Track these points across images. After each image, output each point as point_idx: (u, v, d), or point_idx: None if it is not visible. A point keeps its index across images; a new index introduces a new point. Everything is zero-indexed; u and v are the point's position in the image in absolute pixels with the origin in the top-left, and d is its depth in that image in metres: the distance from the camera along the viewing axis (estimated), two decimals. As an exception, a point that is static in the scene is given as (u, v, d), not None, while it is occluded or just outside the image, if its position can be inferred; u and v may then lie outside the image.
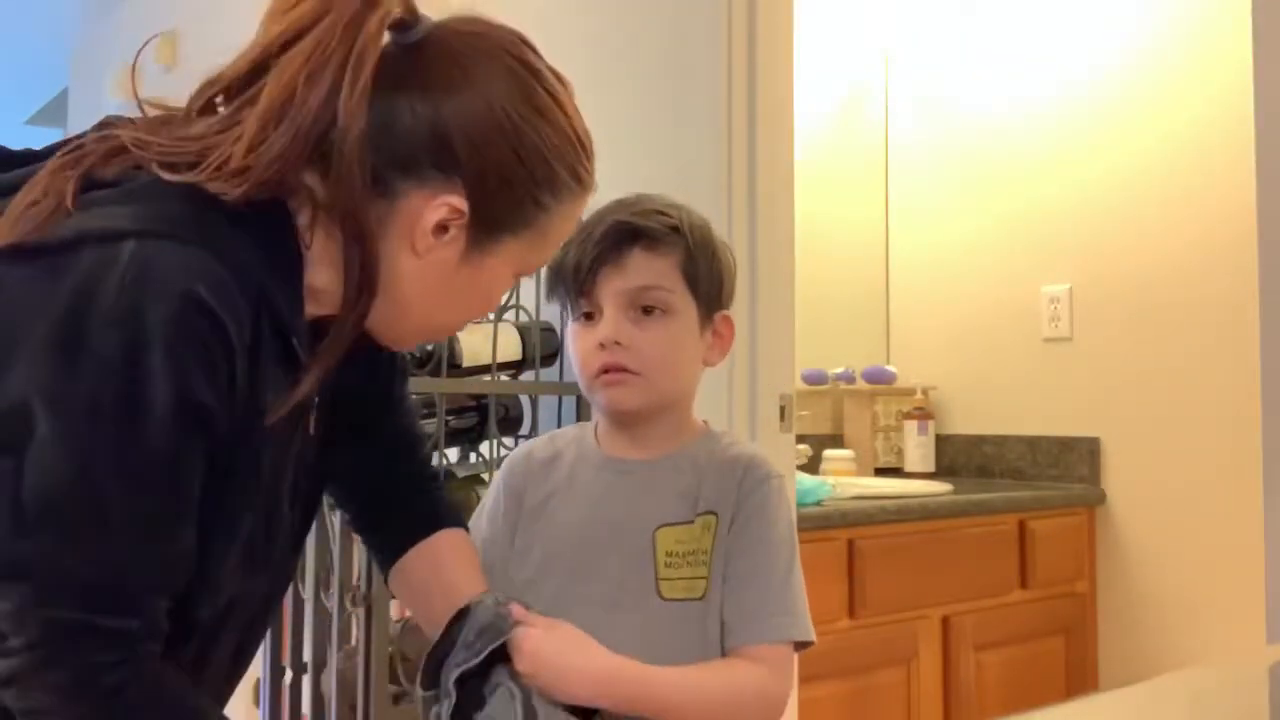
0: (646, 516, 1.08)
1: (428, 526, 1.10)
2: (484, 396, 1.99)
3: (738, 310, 1.89)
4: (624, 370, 1.07)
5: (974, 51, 3.02)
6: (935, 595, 2.33)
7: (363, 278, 0.87)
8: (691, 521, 1.08)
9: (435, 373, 1.86)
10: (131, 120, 0.89)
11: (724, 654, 1.06)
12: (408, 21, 0.90)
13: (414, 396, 1.90)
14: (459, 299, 0.95)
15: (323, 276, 0.88)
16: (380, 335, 0.96)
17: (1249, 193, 1.73)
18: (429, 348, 1.87)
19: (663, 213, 1.10)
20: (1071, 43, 2.82)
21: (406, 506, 1.12)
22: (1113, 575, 2.67)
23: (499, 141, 0.89)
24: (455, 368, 1.90)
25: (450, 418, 1.96)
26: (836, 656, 2.04)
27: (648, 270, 1.07)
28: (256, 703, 1.90)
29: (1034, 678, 2.50)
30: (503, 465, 1.22)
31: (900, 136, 3.18)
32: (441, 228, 0.89)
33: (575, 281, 1.08)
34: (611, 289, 1.07)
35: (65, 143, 0.88)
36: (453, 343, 1.89)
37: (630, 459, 1.12)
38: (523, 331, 2.01)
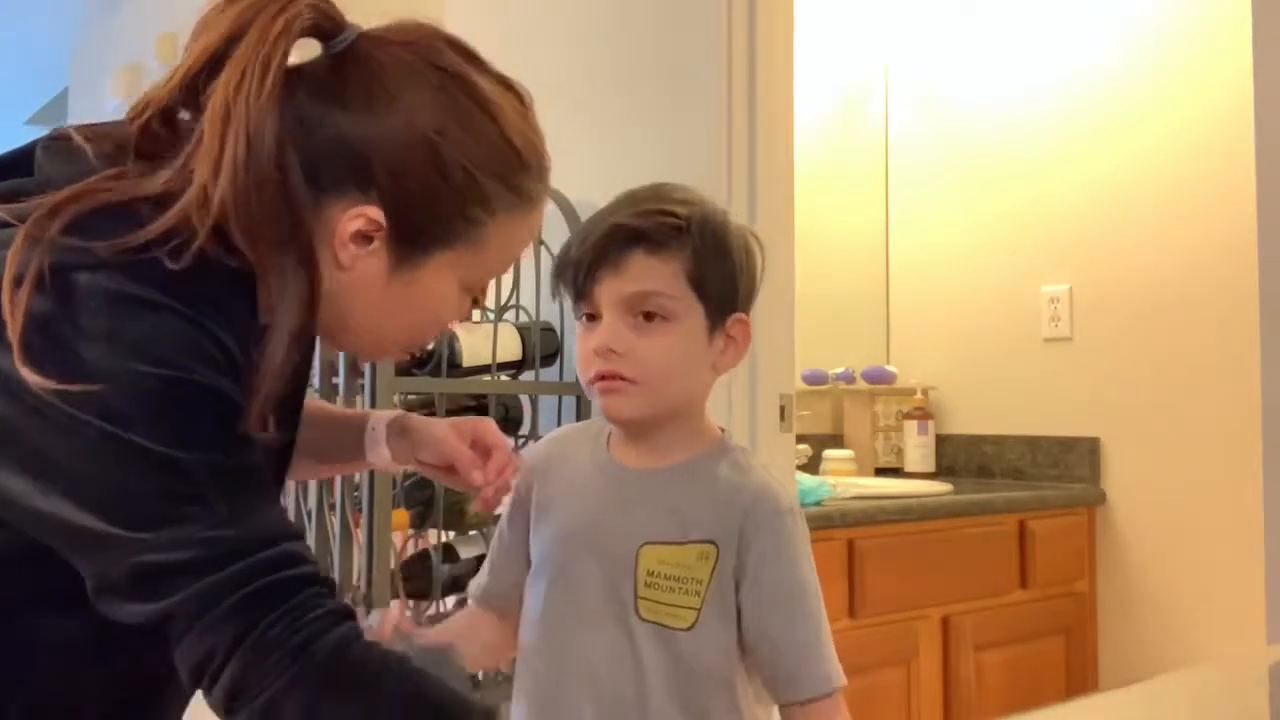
0: (633, 531, 1.05)
1: None
2: (484, 396, 1.99)
3: (738, 310, 1.91)
4: (620, 378, 1.02)
5: (974, 52, 3.02)
6: (935, 595, 2.33)
7: (307, 291, 0.88)
8: (679, 544, 1.04)
9: (435, 373, 1.86)
10: (86, 152, 0.87)
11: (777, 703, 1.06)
12: (327, 29, 0.90)
13: (413, 396, 1.91)
14: (400, 313, 0.95)
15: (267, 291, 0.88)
16: (340, 347, 0.97)
17: (1249, 192, 1.73)
18: (429, 347, 1.87)
19: (670, 211, 1.03)
20: (1071, 43, 2.82)
21: None
22: (1113, 575, 2.67)
23: (417, 157, 0.89)
24: (455, 368, 1.90)
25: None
26: (837, 656, 2.04)
27: (648, 275, 1.02)
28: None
29: (1034, 678, 2.50)
30: (525, 454, 1.21)
31: (900, 137, 3.18)
32: (363, 239, 0.89)
33: (573, 283, 1.05)
34: (610, 293, 1.02)
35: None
36: (453, 342, 1.90)
37: (630, 467, 1.09)
38: (523, 331, 2.01)
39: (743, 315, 1.07)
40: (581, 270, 1.03)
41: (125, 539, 0.77)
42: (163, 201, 0.83)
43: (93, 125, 0.90)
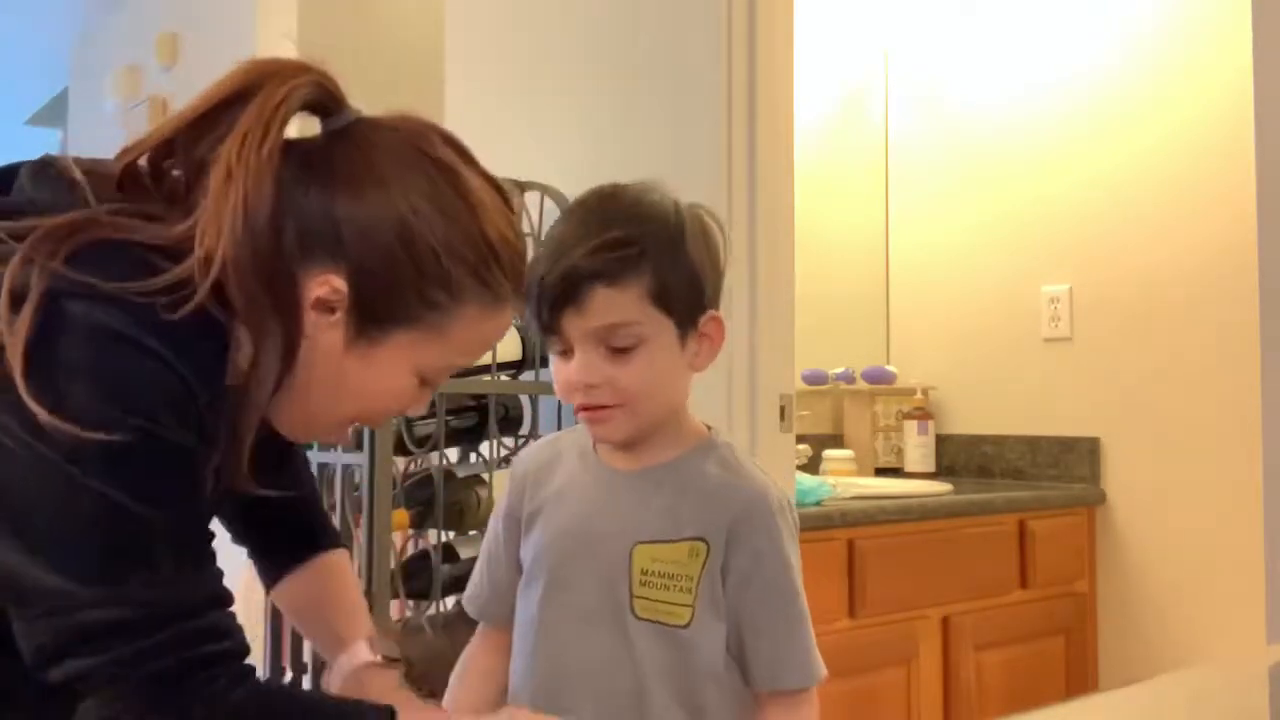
0: (627, 531, 1.06)
1: (310, 548, 1.17)
2: (484, 396, 1.99)
3: (738, 310, 1.91)
4: (603, 407, 1.03)
5: (974, 51, 3.02)
6: (935, 595, 2.33)
7: (287, 351, 0.90)
8: (673, 541, 1.04)
9: (435, 373, 1.86)
10: (79, 184, 0.89)
11: (750, 689, 1.07)
12: (329, 106, 0.93)
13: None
14: (352, 390, 0.94)
15: (243, 350, 0.90)
16: (281, 424, 0.96)
17: (1249, 192, 1.73)
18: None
19: (621, 241, 1.00)
20: (1071, 42, 2.82)
21: (286, 526, 1.18)
22: (1113, 575, 2.67)
23: (386, 231, 0.90)
24: (455, 368, 1.90)
25: (450, 418, 1.96)
26: (836, 656, 2.02)
27: (611, 309, 0.99)
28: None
29: (1034, 678, 2.50)
30: (514, 462, 1.21)
31: (900, 136, 3.18)
32: (325, 308, 0.90)
33: (540, 319, 1.03)
34: (576, 329, 1.00)
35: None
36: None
37: (621, 470, 1.09)
38: (522, 332, 2.01)
39: (714, 312, 1.07)
40: (544, 311, 1.02)
41: (70, 593, 0.79)
42: (174, 253, 0.85)
43: (85, 160, 0.92)
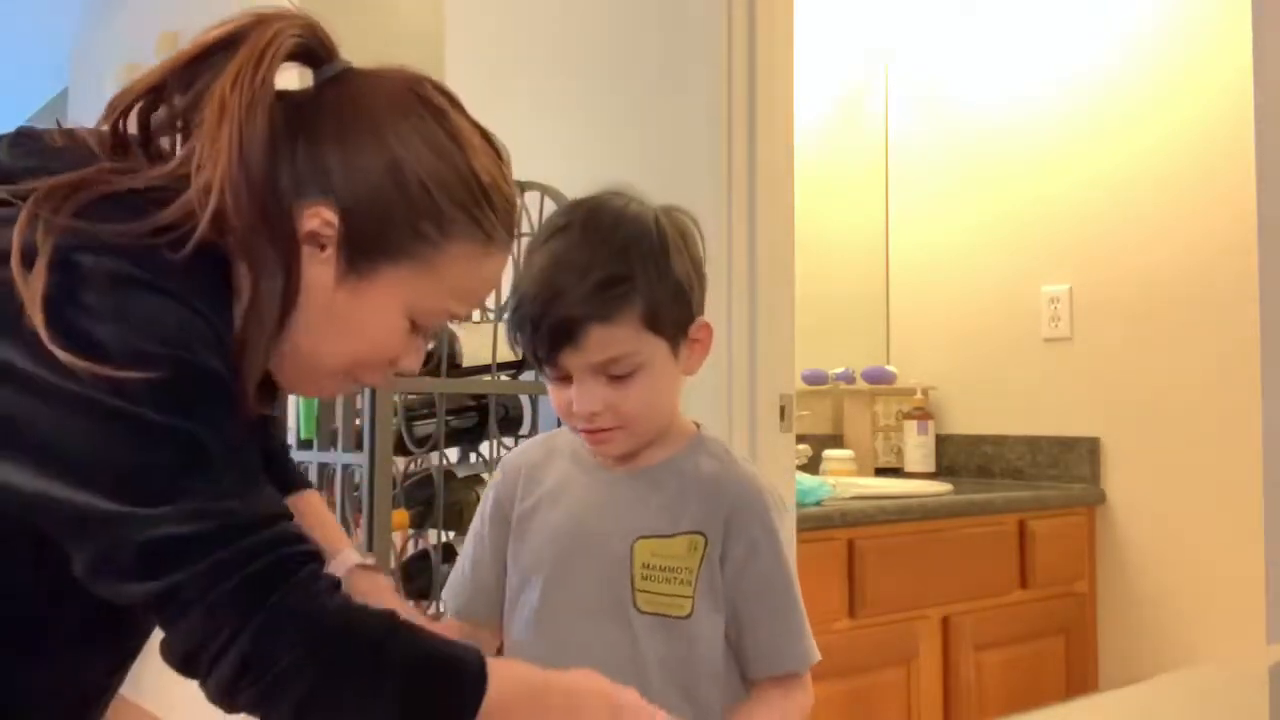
0: (627, 528, 1.08)
1: (285, 489, 1.13)
2: (484, 396, 1.99)
3: (738, 310, 1.91)
4: (604, 429, 1.05)
5: (974, 51, 3.02)
6: (935, 595, 2.33)
7: (288, 282, 0.90)
8: (671, 536, 1.07)
9: (435, 373, 1.86)
10: (60, 149, 0.90)
11: (744, 679, 1.09)
12: (319, 55, 0.94)
13: (414, 396, 1.91)
14: (343, 328, 0.94)
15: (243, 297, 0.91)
16: (280, 374, 0.96)
17: (1249, 192, 1.73)
18: (429, 347, 1.87)
19: (612, 279, 1.01)
20: (1071, 42, 2.82)
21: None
22: (1113, 575, 2.67)
23: (376, 165, 0.91)
24: (455, 368, 1.90)
25: (450, 418, 1.96)
26: (836, 656, 2.03)
27: (608, 344, 1.01)
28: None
29: (1034, 678, 2.50)
30: (498, 466, 1.22)
31: (900, 136, 3.18)
32: (316, 242, 0.91)
33: (536, 354, 1.05)
34: (574, 363, 1.03)
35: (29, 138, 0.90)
36: (453, 342, 1.90)
37: (618, 471, 1.11)
38: (523, 331, 2.01)
39: (702, 319, 1.09)
40: (541, 346, 1.03)
41: (133, 515, 0.78)
42: (165, 194, 0.86)
43: (65, 128, 0.93)
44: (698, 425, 1.15)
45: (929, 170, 3.10)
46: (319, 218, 0.90)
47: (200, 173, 0.86)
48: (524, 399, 2.05)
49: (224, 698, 0.80)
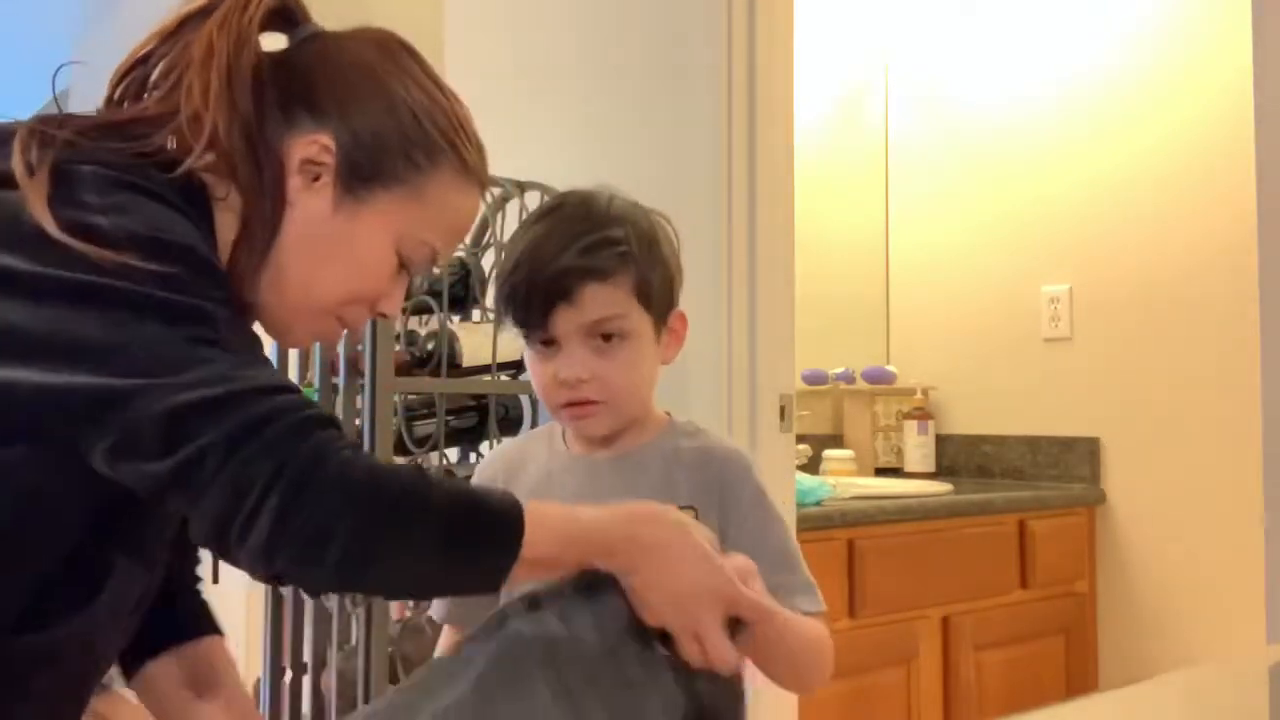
0: None
1: (192, 630, 1.10)
2: (484, 396, 1.99)
3: (738, 310, 1.91)
4: (589, 402, 1.07)
5: (974, 51, 3.02)
6: (935, 595, 2.33)
7: (275, 214, 0.94)
8: None
9: (435, 373, 1.86)
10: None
11: None
12: (293, 14, 0.99)
13: (413, 396, 1.91)
14: (336, 256, 0.96)
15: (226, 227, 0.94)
16: (265, 316, 0.98)
17: (1249, 193, 1.73)
18: (429, 347, 1.87)
19: (611, 239, 1.06)
20: (1071, 42, 2.82)
21: (168, 605, 1.07)
22: (1113, 575, 2.67)
23: (368, 94, 0.96)
24: (455, 368, 1.90)
25: (450, 418, 1.96)
26: (837, 656, 2.02)
27: (603, 302, 1.05)
28: (257, 702, 1.90)
29: (1034, 678, 2.50)
30: (475, 470, 1.23)
31: (900, 136, 3.18)
32: (311, 172, 0.94)
33: (528, 317, 1.07)
34: (568, 323, 1.05)
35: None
36: (452, 342, 1.90)
37: (600, 458, 1.13)
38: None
39: (679, 310, 1.13)
40: (535, 308, 1.06)
41: (152, 386, 0.77)
42: (156, 122, 0.91)
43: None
44: (668, 414, 1.18)
45: (929, 170, 3.10)
46: (316, 144, 0.94)
47: (190, 101, 0.90)
48: (524, 399, 2.05)
49: (261, 561, 0.78)
